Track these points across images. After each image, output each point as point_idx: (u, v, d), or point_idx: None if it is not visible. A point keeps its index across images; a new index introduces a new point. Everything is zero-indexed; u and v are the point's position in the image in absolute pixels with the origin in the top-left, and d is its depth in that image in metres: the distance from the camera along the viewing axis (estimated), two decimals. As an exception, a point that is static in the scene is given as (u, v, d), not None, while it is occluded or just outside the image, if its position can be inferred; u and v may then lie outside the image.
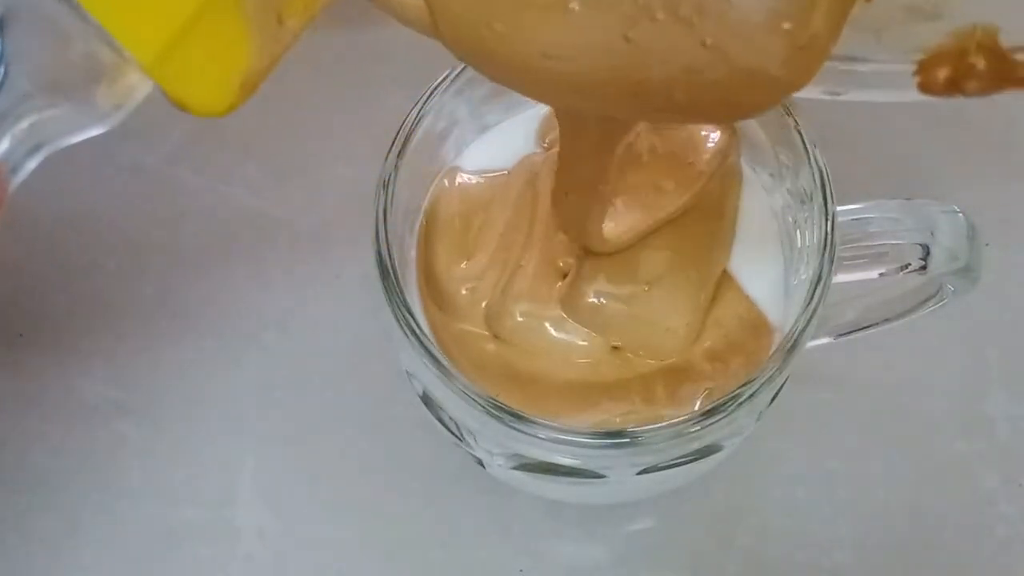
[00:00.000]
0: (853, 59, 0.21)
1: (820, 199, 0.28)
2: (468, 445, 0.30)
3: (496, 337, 0.30)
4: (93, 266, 0.38)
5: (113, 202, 0.38)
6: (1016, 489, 0.34)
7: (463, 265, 0.31)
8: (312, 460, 0.35)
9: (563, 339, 0.30)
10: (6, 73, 0.20)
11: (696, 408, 0.29)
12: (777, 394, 0.29)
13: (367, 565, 0.34)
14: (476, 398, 0.27)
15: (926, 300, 0.31)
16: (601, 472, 0.29)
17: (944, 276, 0.29)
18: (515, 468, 0.29)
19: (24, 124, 0.20)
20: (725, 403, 0.27)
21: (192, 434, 0.36)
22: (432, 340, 0.28)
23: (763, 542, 0.34)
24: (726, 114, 0.23)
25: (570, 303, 0.30)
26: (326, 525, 0.35)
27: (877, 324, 0.32)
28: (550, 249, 0.30)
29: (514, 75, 0.22)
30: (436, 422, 0.30)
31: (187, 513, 0.35)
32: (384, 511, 0.35)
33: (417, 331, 0.27)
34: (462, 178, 0.32)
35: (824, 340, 0.32)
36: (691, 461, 0.29)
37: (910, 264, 0.29)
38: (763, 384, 0.27)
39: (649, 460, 0.28)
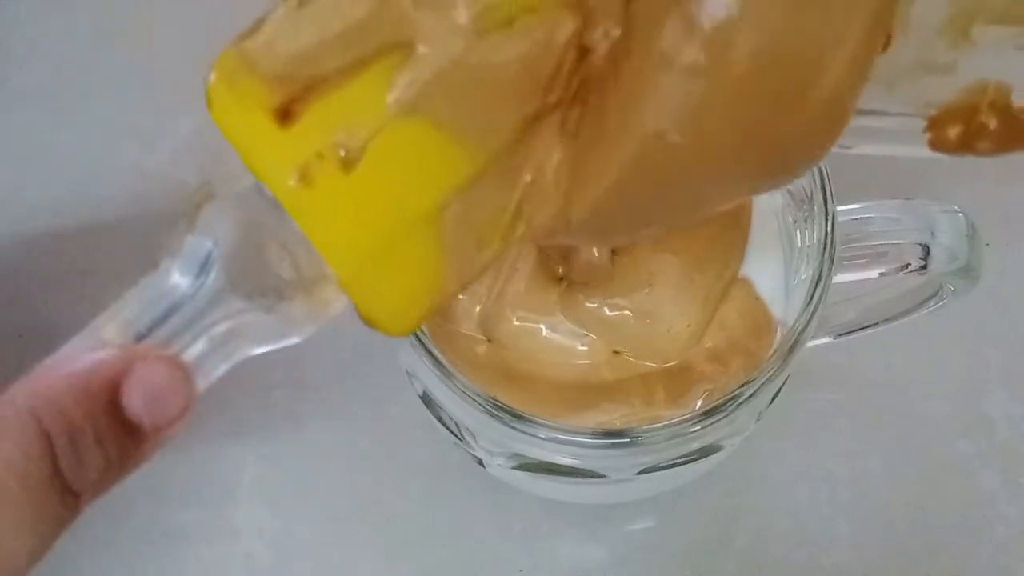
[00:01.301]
0: (864, 113, 0.21)
1: (820, 199, 0.28)
2: (468, 445, 0.30)
3: (491, 341, 0.30)
4: (93, 266, 0.38)
5: (113, 202, 0.38)
6: (1016, 489, 0.34)
7: None
8: (312, 460, 0.35)
9: (561, 342, 0.30)
10: (215, 279, 0.20)
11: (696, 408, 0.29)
12: (777, 394, 0.29)
13: (367, 565, 0.34)
14: (476, 398, 0.27)
15: (926, 300, 0.31)
16: (601, 472, 0.29)
17: (944, 276, 0.29)
18: (515, 468, 0.29)
19: (221, 328, 0.20)
20: (725, 403, 0.27)
21: (192, 434, 0.36)
22: (431, 340, 0.28)
23: (763, 542, 0.34)
24: (761, 181, 0.23)
25: (569, 307, 0.30)
26: (326, 525, 0.35)
27: (877, 324, 0.32)
28: (545, 251, 0.30)
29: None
30: (436, 422, 0.30)
31: (187, 513, 0.35)
32: (384, 511, 0.35)
33: (417, 330, 0.27)
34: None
35: (824, 340, 0.32)
36: (691, 461, 0.29)
37: (910, 264, 0.29)
38: (763, 384, 0.27)
39: (649, 460, 0.28)
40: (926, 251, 0.28)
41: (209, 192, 0.21)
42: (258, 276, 0.20)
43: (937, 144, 0.22)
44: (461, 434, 0.30)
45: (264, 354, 0.36)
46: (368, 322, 0.21)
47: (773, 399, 0.29)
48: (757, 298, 0.30)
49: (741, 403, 0.27)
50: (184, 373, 0.20)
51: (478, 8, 0.19)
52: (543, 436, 0.27)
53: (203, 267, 0.20)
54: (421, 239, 0.20)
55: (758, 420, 0.30)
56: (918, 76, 0.22)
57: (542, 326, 0.30)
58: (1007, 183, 0.38)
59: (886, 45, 0.21)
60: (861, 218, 0.29)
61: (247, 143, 0.20)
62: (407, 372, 0.30)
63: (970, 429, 0.35)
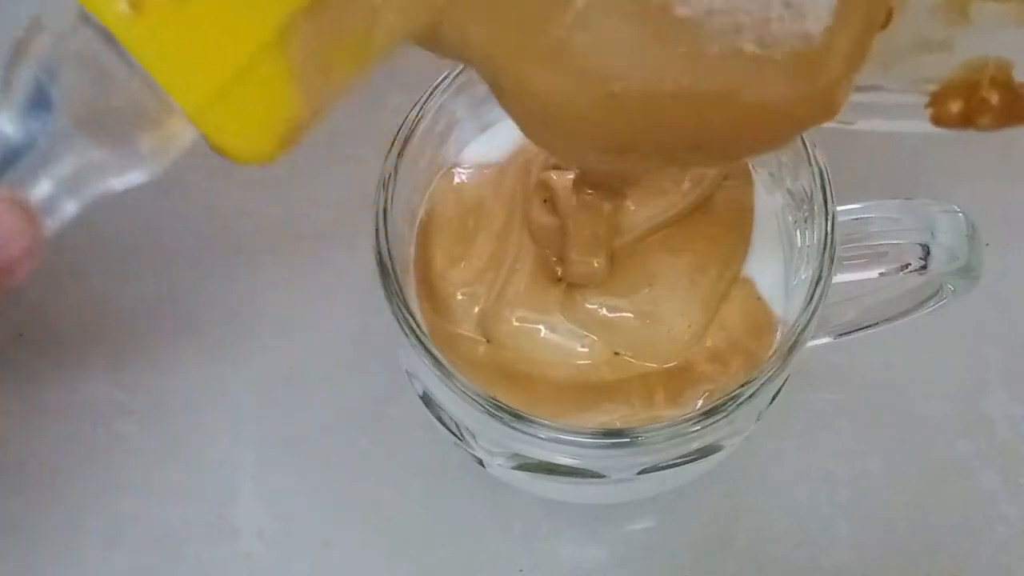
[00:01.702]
0: (863, 89, 0.21)
1: (820, 199, 0.28)
2: (468, 445, 0.30)
3: (490, 341, 0.30)
4: (93, 266, 0.38)
5: (113, 202, 0.38)
6: (1016, 489, 0.34)
7: (459, 268, 0.31)
8: (312, 460, 0.35)
9: (560, 343, 0.30)
10: (55, 117, 0.20)
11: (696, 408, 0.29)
12: (777, 394, 0.29)
13: (367, 565, 0.34)
14: (476, 398, 0.27)
15: (926, 300, 0.31)
16: (601, 472, 0.29)
17: (944, 276, 0.29)
18: (515, 468, 0.29)
19: (65, 167, 0.20)
20: (725, 403, 0.27)
21: (192, 434, 0.36)
22: (431, 340, 0.28)
23: (763, 542, 0.34)
24: (751, 149, 0.23)
25: (569, 308, 0.30)
26: (326, 525, 0.35)
27: (877, 324, 0.32)
28: (545, 251, 0.30)
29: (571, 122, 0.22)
30: (436, 422, 0.30)
31: (187, 513, 0.35)
32: (384, 511, 0.35)
33: (417, 331, 0.27)
34: (458, 176, 0.32)
35: (824, 340, 0.32)
36: (691, 461, 0.29)
37: (910, 264, 0.29)
38: (763, 384, 0.27)
39: (649, 460, 0.28)
40: (926, 251, 0.28)
41: (38, 27, 0.20)
42: (99, 111, 0.20)
43: (939, 119, 0.22)
44: (461, 434, 0.30)
45: (265, 354, 0.36)
46: (220, 151, 0.20)
47: (773, 399, 0.29)
48: (759, 298, 0.30)
49: (741, 403, 0.27)
50: (28, 214, 0.20)
51: None
52: (543, 436, 0.27)
53: (36, 104, 0.20)
54: (268, 65, 0.20)
55: (758, 420, 0.30)
56: (915, 53, 0.22)
57: (541, 327, 0.30)
58: (1007, 183, 0.38)
59: (885, 22, 0.21)
60: (861, 218, 0.29)
61: None
62: (407, 372, 0.30)
63: (970, 429, 0.35)
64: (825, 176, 0.28)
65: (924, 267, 0.29)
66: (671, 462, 0.28)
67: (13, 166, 0.20)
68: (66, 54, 0.20)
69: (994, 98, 0.22)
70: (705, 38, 0.19)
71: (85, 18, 0.19)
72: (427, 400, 0.30)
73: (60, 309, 0.37)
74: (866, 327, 0.32)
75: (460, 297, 0.30)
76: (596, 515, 0.35)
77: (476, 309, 0.30)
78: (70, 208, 0.20)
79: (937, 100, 0.22)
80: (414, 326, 0.27)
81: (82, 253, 0.38)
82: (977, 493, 0.34)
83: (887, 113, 0.23)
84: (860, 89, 0.21)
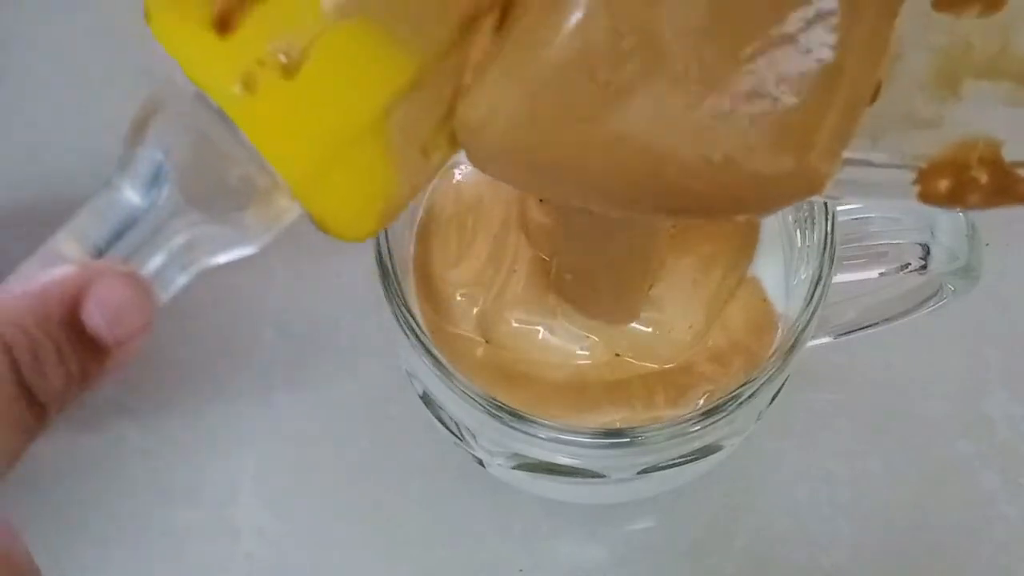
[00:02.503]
0: (851, 163, 0.21)
1: (820, 199, 0.28)
2: (468, 445, 0.30)
3: (489, 342, 0.30)
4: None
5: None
6: (1016, 489, 0.34)
7: (457, 268, 0.31)
8: (312, 460, 0.35)
9: (560, 344, 0.30)
10: (168, 192, 0.20)
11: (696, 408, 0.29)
12: (777, 394, 0.29)
13: (367, 565, 0.34)
14: (476, 398, 0.27)
15: (926, 300, 0.31)
16: (601, 472, 0.29)
17: (944, 276, 0.29)
18: (515, 468, 0.29)
19: (177, 240, 0.21)
20: (725, 403, 0.27)
21: (192, 434, 0.36)
22: (431, 340, 0.28)
23: (763, 542, 0.34)
24: (730, 211, 0.23)
25: (569, 310, 0.30)
26: (326, 525, 0.35)
27: (877, 324, 0.32)
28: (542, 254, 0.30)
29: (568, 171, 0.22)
30: (436, 422, 0.30)
31: (187, 513, 0.35)
32: (384, 511, 0.35)
33: (417, 331, 0.27)
34: (457, 176, 0.32)
35: (824, 340, 0.32)
36: (691, 461, 0.29)
37: (910, 264, 0.29)
38: (763, 384, 0.27)
39: (649, 460, 0.28)
40: (926, 251, 0.28)
41: (155, 106, 0.21)
42: (211, 187, 0.20)
43: (927, 197, 0.22)
44: (461, 434, 0.30)
45: (265, 354, 0.36)
46: (324, 229, 0.21)
47: (773, 399, 0.29)
48: (764, 299, 0.30)
49: (741, 403, 0.27)
50: (144, 287, 0.20)
51: None
52: (543, 436, 0.27)
53: (155, 180, 0.20)
54: (369, 145, 0.20)
55: (758, 420, 0.30)
56: (905, 129, 0.22)
57: (540, 328, 0.30)
58: (1007, 183, 0.38)
59: (874, 97, 0.21)
60: (861, 218, 0.29)
61: (188, 55, 0.20)
62: (407, 372, 0.30)
63: (970, 429, 0.35)
64: (825, 176, 0.28)
65: (924, 267, 0.29)
66: (671, 462, 0.28)
67: (126, 237, 0.20)
68: (180, 132, 0.20)
69: (983, 178, 0.21)
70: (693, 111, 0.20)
71: (199, 97, 0.20)
72: (427, 400, 0.30)
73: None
74: (866, 327, 0.32)
75: (459, 298, 0.30)
76: (596, 515, 0.35)
77: (475, 311, 0.30)
78: (180, 280, 0.21)
79: (925, 177, 0.22)
80: (414, 326, 0.27)
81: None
82: (977, 493, 0.34)
83: (875, 190, 0.23)
84: (849, 163, 0.21)
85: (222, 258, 0.21)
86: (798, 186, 0.21)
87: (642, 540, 0.34)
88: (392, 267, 0.28)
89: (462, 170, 0.32)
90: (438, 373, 0.27)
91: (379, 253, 0.28)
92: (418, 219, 0.31)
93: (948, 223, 0.28)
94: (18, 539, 0.21)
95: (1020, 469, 0.35)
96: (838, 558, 0.34)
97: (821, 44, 0.19)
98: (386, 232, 0.28)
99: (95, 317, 0.19)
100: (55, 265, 0.20)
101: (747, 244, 0.30)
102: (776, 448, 0.35)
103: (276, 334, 0.37)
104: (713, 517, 0.34)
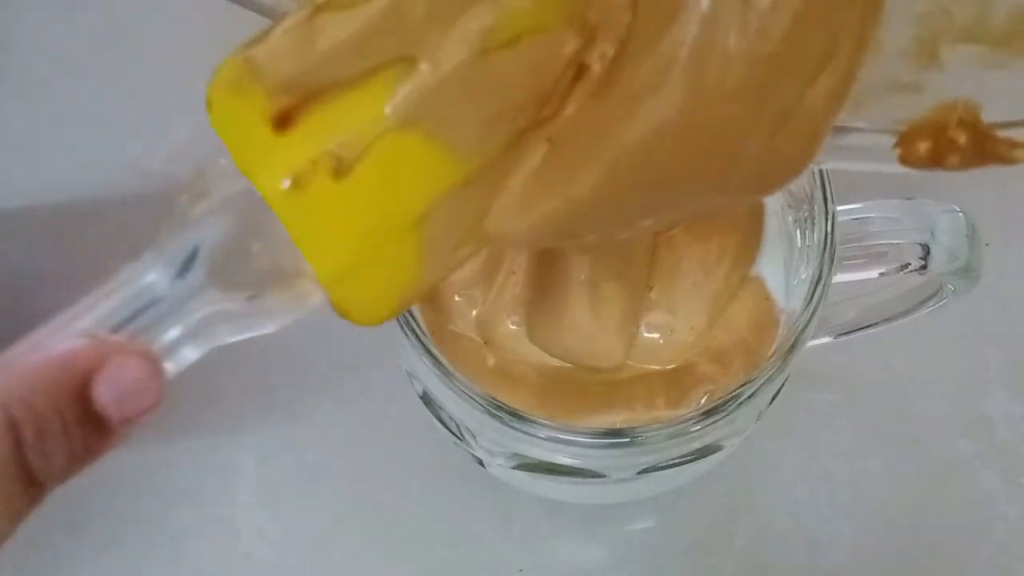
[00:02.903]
0: (834, 131, 0.21)
1: (820, 199, 0.28)
2: (468, 445, 0.30)
3: (488, 344, 0.30)
4: (93, 266, 0.38)
5: (113, 202, 0.38)
6: (1016, 489, 0.34)
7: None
8: (312, 460, 0.35)
9: None
10: (196, 272, 0.20)
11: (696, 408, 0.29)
12: (777, 394, 0.29)
13: (367, 565, 0.34)
14: (476, 398, 0.27)
15: (926, 300, 0.31)
16: (601, 472, 0.29)
17: (944, 276, 0.29)
18: (515, 468, 0.29)
19: (194, 317, 0.21)
20: (725, 403, 0.27)
21: (192, 434, 0.36)
22: (431, 340, 0.28)
23: (763, 542, 0.34)
24: (734, 194, 0.23)
25: None
26: (326, 525, 0.35)
27: (877, 324, 0.32)
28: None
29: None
30: (436, 422, 0.30)
31: (187, 513, 0.35)
32: (384, 511, 0.35)
33: (417, 331, 0.27)
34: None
35: (824, 340, 0.32)
36: (691, 461, 0.29)
37: (910, 264, 0.29)
38: (763, 384, 0.27)
39: (649, 460, 0.28)
40: (926, 251, 0.28)
41: (201, 189, 0.21)
42: (238, 270, 0.21)
43: (907, 159, 0.22)
44: (461, 434, 0.30)
45: (264, 355, 0.36)
46: (341, 314, 0.21)
47: (773, 399, 0.29)
48: (767, 298, 0.30)
49: (741, 403, 0.27)
50: (156, 367, 0.20)
51: (485, 26, 0.19)
52: (543, 436, 0.27)
53: (186, 264, 0.20)
54: (403, 242, 0.20)
55: (758, 420, 0.30)
56: (886, 95, 0.22)
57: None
58: (1007, 183, 0.38)
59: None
60: (861, 218, 0.29)
61: (243, 146, 0.20)
62: (407, 372, 0.30)
63: (970, 429, 0.35)
64: (825, 176, 0.28)
65: (924, 267, 0.29)
66: (671, 462, 0.28)
67: (146, 315, 0.20)
68: (220, 220, 0.20)
69: (962, 139, 0.22)
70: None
71: (248, 189, 0.20)
72: (427, 400, 0.30)
73: (60, 309, 0.37)
74: (866, 327, 0.32)
75: (458, 299, 0.30)
76: (596, 515, 0.35)
77: (473, 313, 0.30)
78: (192, 355, 0.21)
79: (905, 140, 0.22)
80: (414, 326, 0.27)
81: (82, 253, 0.38)
82: (977, 493, 0.34)
83: (856, 154, 0.23)
84: (832, 130, 0.21)
85: (239, 336, 0.21)
86: (789, 165, 0.21)
87: (642, 540, 0.34)
88: (392, 267, 0.28)
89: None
90: (438, 373, 0.27)
91: (379, 253, 0.28)
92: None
93: (948, 223, 0.28)
94: None
95: (1020, 469, 0.35)
96: (838, 558, 0.34)
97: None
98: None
99: (104, 396, 0.19)
100: (71, 339, 0.20)
101: (749, 244, 0.30)
102: (776, 448, 0.35)
103: (276, 334, 0.37)
104: (713, 517, 0.34)
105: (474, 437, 0.29)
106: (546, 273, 0.29)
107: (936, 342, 0.36)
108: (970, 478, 0.35)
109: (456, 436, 0.30)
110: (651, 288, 0.29)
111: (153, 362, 0.20)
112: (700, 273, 0.29)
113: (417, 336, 0.27)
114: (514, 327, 0.30)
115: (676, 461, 0.28)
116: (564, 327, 0.29)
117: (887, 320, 0.32)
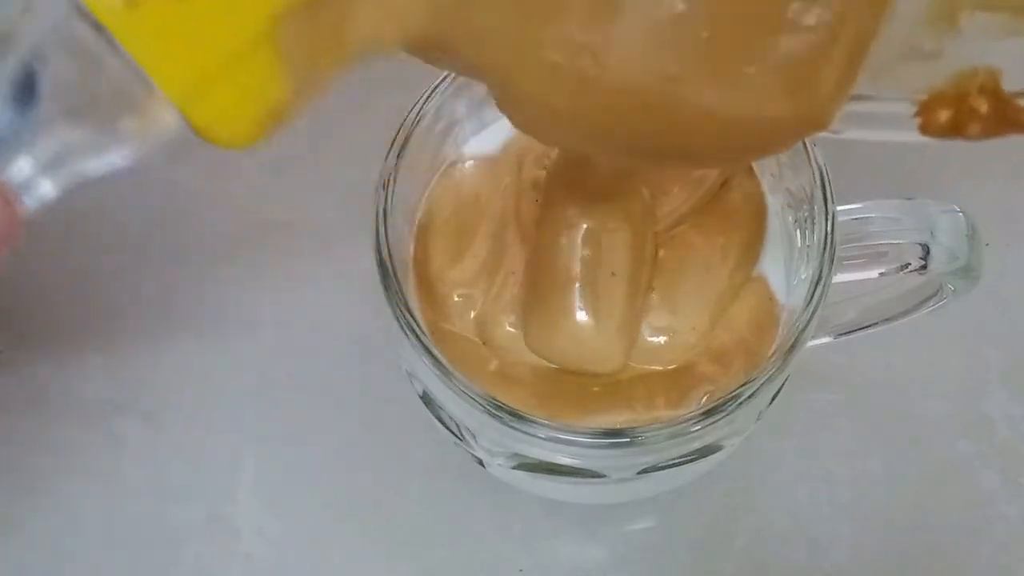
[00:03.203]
0: (853, 98, 0.21)
1: (820, 199, 0.28)
2: (468, 445, 0.30)
3: (486, 344, 0.30)
4: (93, 266, 0.38)
5: (113, 202, 0.38)
6: (1016, 489, 0.34)
7: (455, 269, 0.31)
8: (312, 460, 0.35)
9: None
10: (39, 100, 0.20)
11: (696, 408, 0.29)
12: (777, 394, 0.29)
13: (367, 565, 0.34)
14: (476, 398, 0.27)
15: (926, 300, 0.31)
16: (601, 472, 0.29)
17: (944, 276, 0.29)
18: (515, 468, 0.29)
19: (46, 148, 0.20)
20: (725, 403, 0.27)
21: (192, 434, 0.36)
22: (431, 340, 0.28)
23: (763, 542, 0.34)
24: (742, 155, 0.23)
25: None
26: (326, 525, 0.35)
27: (877, 324, 0.32)
28: None
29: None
30: (436, 422, 0.30)
31: (187, 513, 0.35)
32: (384, 511, 0.35)
33: (417, 331, 0.27)
34: (457, 175, 0.32)
35: (824, 340, 0.32)
36: (691, 461, 0.29)
37: (910, 264, 0.29)
38: (763, 384, 0.27)
39: (649, 460, 0.28)
40: (926, 251, 0.28)
41: (27, 13, 0.20)
42: (84, 96, 0.20)
43: (927, 128, 0.22)
44: (461, 434, 0.30)
45: (264, 354, 0.36)
46: (202, 136, 0.20)
47: (773, 399, 0.29)
48: (770, 297, 0.30)
49: (741, 403, 0.27)
50: (6, 196, 0.20)
51: None
52: (543, 436, 0.27)
53: (25, 89, 0.20)
54: (256, 52, 0.20)
55: (758, 420, 0.30)
56: (905, 63, 0.22)
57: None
58: (1007, 183, 0.38)
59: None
60: (861, 218, 0.29)
61: None
62: (407, 372, 0.30)
63: (970, 429, 0.35)
64: (825, 176, 0.28)
65: (924, 267, 0.29)
66: (671, 462, 0.28)
67: None
68: (53, 42, 0.20)
69: (983, 107, 0.22)
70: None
71: (75, 6, 0.19)
72: (427, 400, 0.30)
73: (60, 309, 0.37)
74: (866, 327, 0.32)
75: (457, 299, 0.30)
76: (596, 515, 0.35)
77: (472, 313, 0.30)
78: (49, 189, 0.20)
79: (925, 109, 0.22)
80: (414, 326, 0.27)
81: (82, 253, 0.38)
82: (977, 493, 0.34)
83: (876, 123, 0.23)
84: (851, 98, 0.21)
85: (96, 166, 0.21)
86: (807, 125, 0.21)
87: (642, 540, 0.34)
88: (392, 267, 0.28)
89: (461, 170, 0.32)
90: (438, 373, 0.27)
91: (379, 253, 0.28)
92: (417, 219, 0.31)
93: (948, 223, 0.28)
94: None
95: (1020, 469, 0.35)
96: (838, 558, 0.34)
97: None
98: (386, 232, 0.28)
99: None
100: None
101: (753, 243, 0.30)
102: (776, 448, 0.35)
103: (276, 334, 0.37)
104: (713, 517, 0.34)
105: (474, 437, 0.29)
106: (545, 273, 0.29)
107: (936, 342, 0.36)
108: (970, 478, 0.35)
109: (456, 436, 0.30)
110: (653, 290, 0.29)
111: (3, 191, 0.20)
112: (703, 273, 0.29)
113: (417, 336, 0.27)
114: (512, 329, 0.30)
115: (676, 461, 0.28)
116: (561, 331, 0.29)
117: (887, 320, 0.32)
